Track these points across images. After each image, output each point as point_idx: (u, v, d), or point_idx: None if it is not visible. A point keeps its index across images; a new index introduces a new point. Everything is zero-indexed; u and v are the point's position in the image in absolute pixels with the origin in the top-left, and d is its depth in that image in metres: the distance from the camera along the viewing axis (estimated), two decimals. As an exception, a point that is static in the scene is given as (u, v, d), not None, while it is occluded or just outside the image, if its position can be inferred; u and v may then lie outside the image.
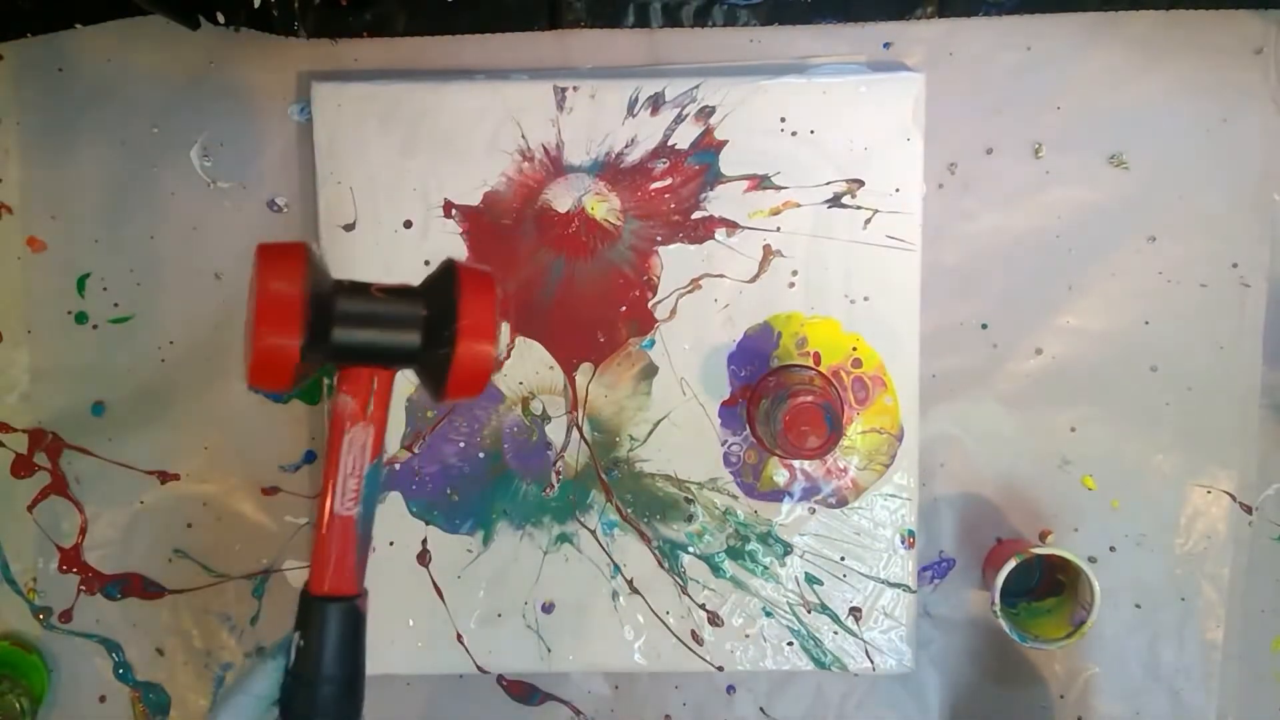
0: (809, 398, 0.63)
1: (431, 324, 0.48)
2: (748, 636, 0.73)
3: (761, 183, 0.70)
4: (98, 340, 0.74)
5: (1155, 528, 0.73)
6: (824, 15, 0.70)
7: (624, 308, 0.72)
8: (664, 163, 0.70)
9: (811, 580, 0.72)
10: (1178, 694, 0.74)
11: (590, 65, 0.72)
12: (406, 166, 0.70)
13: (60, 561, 0.75)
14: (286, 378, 0.46)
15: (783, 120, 0.70)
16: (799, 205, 0.70)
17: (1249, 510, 0.73)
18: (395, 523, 0.72)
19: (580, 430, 0.72)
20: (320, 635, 0.49)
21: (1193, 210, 0.72)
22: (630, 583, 0.73)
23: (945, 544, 0.74)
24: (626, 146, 0.70)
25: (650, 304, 0.71)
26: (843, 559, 0.72)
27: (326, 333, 0.48)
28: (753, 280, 0.71)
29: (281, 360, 0.46)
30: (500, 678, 0.76)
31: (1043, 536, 0.74)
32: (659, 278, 0.71)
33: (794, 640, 0.73)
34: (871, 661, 0.73)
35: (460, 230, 0.71)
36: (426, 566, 0.73)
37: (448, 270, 0.49)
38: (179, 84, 0.72)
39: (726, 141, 0.70)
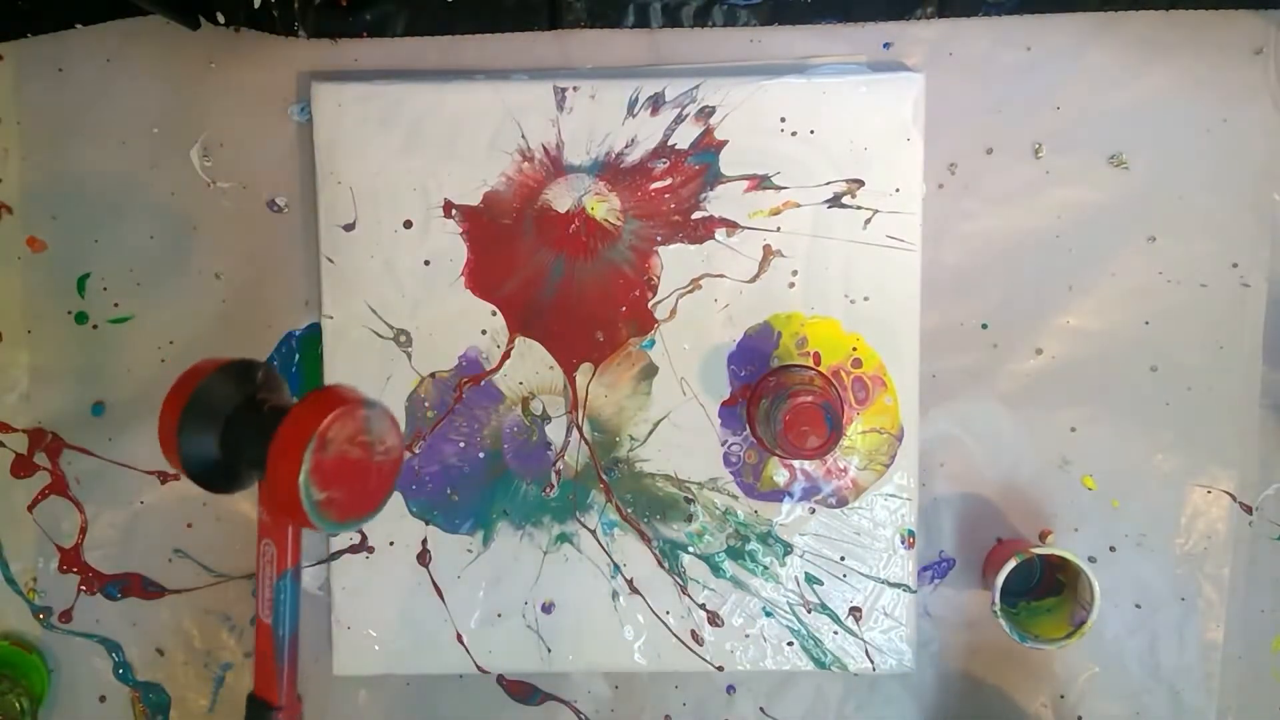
0: (809, 398, 0.63)
1: None
2: (748, 636, 0.73)
3: (761, 183, 0.70)
4: (98, 340, 0.74)
5: (1155, 528, 0.73)
6: (824, 15, 0.70)
7: (624, 308, 0.71)
8: (664, 163, 0.70)
9: (811, 580, 0.72)
10: (1178, 694, 0.74)
11: (590, 65, 0.72)
12: (406, 166, 0.70)
13: (60, 561, 0.75)
14: (187, 476, 0.51)
15: (783, 120, 0.70)
16: (799, 205, 0.70)
17: (1249, 510, 0.73)
18: (395, 523, 0.72)
19: (580, 430, 0.72)
20: None
21: (1193, 210, 0.72)
22: (630, 583, 0.73)
23: (945, 544, 0.74)
24: (626, 146, 0.70)
25: (650, 304, 0.71)
26: (843, 559, 0.72)
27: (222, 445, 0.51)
28: (753, 280, 0.71)
29: (176, 466, 0.51)
30: (500, 678, 0.75)
31: (1043, 536, 0.74)
32: (659, 278, 0.71)
33: (794, 640, 0.73)
34: (871, 661, 0.72)
35: (460, 230, 0.71)
36: (426, 566, 0.73)
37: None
38: (179, 84, 0.72)
39: (726, 141, 0.70)
